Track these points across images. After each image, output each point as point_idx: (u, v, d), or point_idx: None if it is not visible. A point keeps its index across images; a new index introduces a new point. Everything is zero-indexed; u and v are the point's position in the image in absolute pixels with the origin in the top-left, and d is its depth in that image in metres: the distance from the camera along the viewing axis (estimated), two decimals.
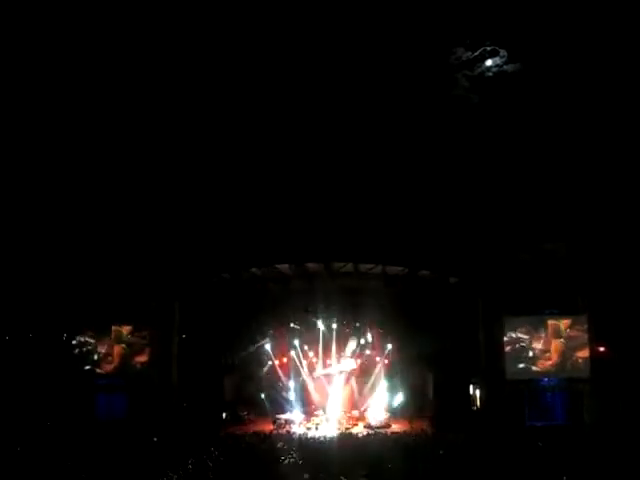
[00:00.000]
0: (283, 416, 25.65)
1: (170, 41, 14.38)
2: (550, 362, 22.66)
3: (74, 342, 23.70)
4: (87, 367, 23.53)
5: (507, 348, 22.75)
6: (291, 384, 27.37)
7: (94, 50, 14.66)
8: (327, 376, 27.42)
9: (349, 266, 25.38)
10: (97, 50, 14.67)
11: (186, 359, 24.68)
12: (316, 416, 25.67)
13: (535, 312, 22.87)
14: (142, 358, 23.60)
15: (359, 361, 27.64)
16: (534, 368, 22.63)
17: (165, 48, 14.61)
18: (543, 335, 22.86)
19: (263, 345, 27.53)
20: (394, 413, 26.26)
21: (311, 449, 18.75)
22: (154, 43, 14.37)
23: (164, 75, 15.56)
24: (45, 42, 14.37)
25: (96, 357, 23.62)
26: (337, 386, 27.20)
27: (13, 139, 17.94)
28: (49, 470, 14.67)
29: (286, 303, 27.01)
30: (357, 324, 27.55)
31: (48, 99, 16.54)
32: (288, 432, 23.49)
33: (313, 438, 21.77)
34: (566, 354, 22.56)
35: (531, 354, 22.79)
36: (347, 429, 24.23)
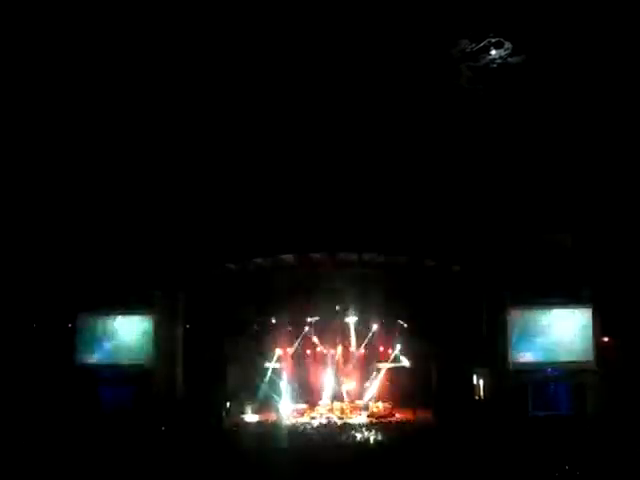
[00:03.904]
0: (287, 406, 25.73)
1: (170, 41, 14.33)
2: (554, 352, 22.62)
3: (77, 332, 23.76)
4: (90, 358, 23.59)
5: (511, 338, 22.71)
6: (295, 374, 27.42)
7: (93, 50, 14.64)
8: (330, 365, 27.45)
9: (353, 255, 25.38)
10: (97, 50, 14.64)
11: (190, 349, 24.76)
12: (319, 405, 25.76)
13: (539, 302, 22.81)
14: (146, 349, 23.62)
15: (362, 350, 27.64)
16: (538, 358, 22.60)
17: (165, 48, 14.57)
18: (547, 325, 22.80)
19: (267, 335, 27.54)
20: (398, 401, 26.29)
21: (315, 440, 18.88)
22: (154, 43, 14.33)
23: (164, 73, 15.55)
24: (45, 42, 14.35)
25: (100, 348, 23.70)
26: (340, 375, 27.24)
27: (19, 135, 18.03)
28: (54, 463, 14.80)
29: (290, 293, 26.99)
30: (361, 313, 27.52)
31: (48, 98, 16.56)
32: (292, 421, 23.59)
33: (317, 428, 21.91)
34: (570, 344, 22.52)
35: (535, 344, 22.75)
36: (350, 418, 24.32)
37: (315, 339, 27.62)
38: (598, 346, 22.13)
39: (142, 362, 23.49)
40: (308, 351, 27.80)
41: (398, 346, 27.20)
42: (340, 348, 27.63)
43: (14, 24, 13.65)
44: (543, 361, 22.63)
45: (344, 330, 27.69)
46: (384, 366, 27.20)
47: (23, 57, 14.83)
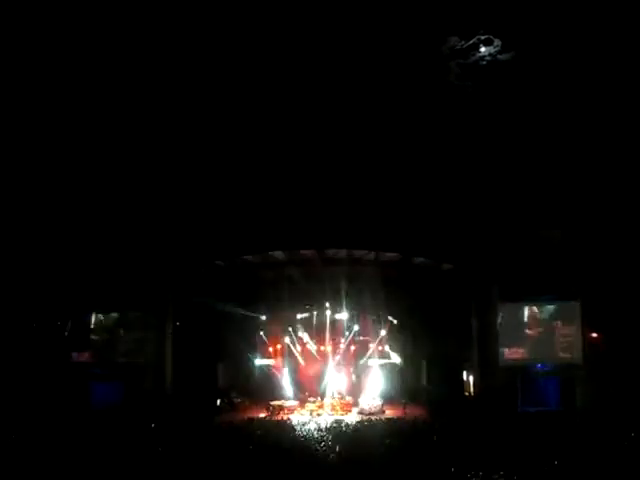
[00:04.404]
0: (277, 402, 25.74)
1: (170, 41, 14.33)
2: (543, 348, 22.74)
3: (67, 330, 23.69)
4: (81, 355, 23.53)
5: (500, 334, 22.81)
6: (285, 370, 27.44)
7: (93, 49, 14.61)
8: (321, 361, 27.48)
9: (343, 252, 25.41)
10: (97, 49, 14.62)
11: (180, 346, 24.71)
12: (310, 402, 25.78)
13: (529, 298, 22.92)
14: (136, 346, 23.59)
15: (353, 347, 27.70)
16: (527, 354, 22.71)
17: (165, 48, 14.57)
18: (536, 321, 22.92)
19: (257, 331, 27.56)
20: (388, 398, 26.34)
21: (305, 437, 18.87)
22: (154, 43, 14.32)
23: (164, 74, 15.57)
24: (45, 42, 14.31)
25: (90, 345, 23.65)
26: (331, 372, 27.28)
27: (20, 136, 18.03)
28: (44, 458, 14.74)
29: (280, 290, 27.02)
30: (351, 310, 27.58)
31: (48, 98, 16.54)
32: (282, 418, 23.60)
33: (307, 424, 21.92)
34: (559, 340, 22.65)
35: (524, 340, 22.86)
36: (341, 415, 24.35)
37: (305, 336, 27.66)
38: (587, 341, 22.27)
39: (132, 359, 23.47)
40: (298, 348, 27.81)
41: (387, 342, 27.34)
42: (330, 345, 27.68)
43: (14, 24, 13.60)
44: (532, 357, 22.75)
45: (334, 327, 27.75)
46: (374, 362, 27.29)
47: (23, 57, 14.78)
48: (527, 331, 22.96)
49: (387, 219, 22.10)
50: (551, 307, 22.94)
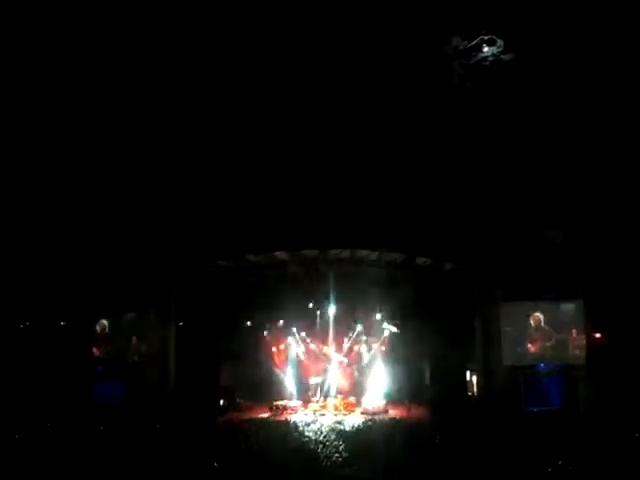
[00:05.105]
0: (280, 402, 25.75)
1: (169, 40, 14.34)
2: (546, 348, 22.73)
3: (70, 330, 23.73)
4: (84, 355, 23.55)
5: (503, 334, 22.80)
6: (288, 370, 27.45)
7: (93, 49, 14.63)
8: (324, 362, 27.46)
9: (346, 252, 25.40)
10: (96, 49, 14.63)
11: (183, 346, 24.74)
12: (313, 402, 25.79)
13: (532, 298, 22.90)
14: (139, 346, 23.63)
15: (356, 347, 27.69)
16: (530, 354, 22.71)
17: (164, 47, 14.57)
18: (539, 321, 22.91)
19: (260, 331, 27.56)
20: (390, 398, 26.31)
21: (308, 437, 18.91)
22: (153, 42, 14.33)
23: (163, 72, 15.57)
24: (45, 41, 14.33)
25: (93, 345, 23.69)
26: (334, 372, 27.28)
27: (20, 137, 18.05)
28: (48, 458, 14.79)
29: (283, 290, 26.98)
30: (354, 310, 27.55)
31: (48, 98, 16.57)
32: (285, 419, 23.62)
33: (311, 424, 21.94)
34: (562, 340, 22.63)
35: (527, 340, 22.85)
36: (344, 415, 24.36)
37: (308, 336, 27.66)
38: (589, 341, 22.25)
39: (135, 359, 23.52)
40: (302, 348, 27.81)
41: (390, 342, 27.35)
42: (333, 345, 27.67)
43: (14, 24, 13.62)
44: (535, 357, 22.74)
45: (338, 327, 27.74)
46: (378, 362, 27.24)
47: (23, 57, 14.80)
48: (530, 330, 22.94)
49: (390, 219, 22.08)
50: (554, 307, 22.92)
